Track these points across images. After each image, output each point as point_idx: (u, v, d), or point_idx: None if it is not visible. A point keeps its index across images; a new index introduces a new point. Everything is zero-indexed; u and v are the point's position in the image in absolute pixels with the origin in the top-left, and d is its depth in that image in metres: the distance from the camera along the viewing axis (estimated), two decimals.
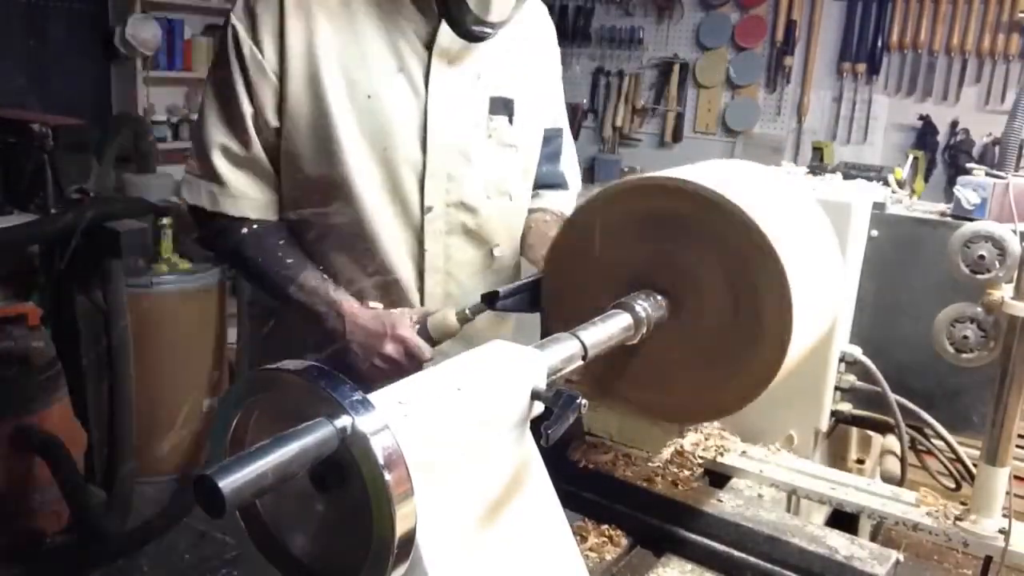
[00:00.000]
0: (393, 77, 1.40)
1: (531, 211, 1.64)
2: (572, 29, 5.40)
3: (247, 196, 1.44)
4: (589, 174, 5.25)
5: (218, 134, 1.42)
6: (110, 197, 3.27)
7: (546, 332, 1.08)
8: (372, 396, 0.69)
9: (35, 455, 2.82)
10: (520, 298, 1.24)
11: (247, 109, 1.39)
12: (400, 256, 1.46)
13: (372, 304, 1.43)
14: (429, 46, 1.41)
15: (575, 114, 5.36)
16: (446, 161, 1.44)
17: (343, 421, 0.64)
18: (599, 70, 5.39)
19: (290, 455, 0.60)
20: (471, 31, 1.37)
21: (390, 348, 1.36)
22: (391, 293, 1.47)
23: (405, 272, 1.46)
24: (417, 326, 1.37)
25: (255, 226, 1.45)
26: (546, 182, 1.67)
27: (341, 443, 0.64)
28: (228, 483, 0.56)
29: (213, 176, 1.43)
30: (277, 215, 1.48)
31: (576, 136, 5.37)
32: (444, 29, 1.39)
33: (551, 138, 1.64)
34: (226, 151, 1.42)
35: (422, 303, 1.48)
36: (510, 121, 1.50)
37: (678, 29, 5.16)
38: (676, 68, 5.13)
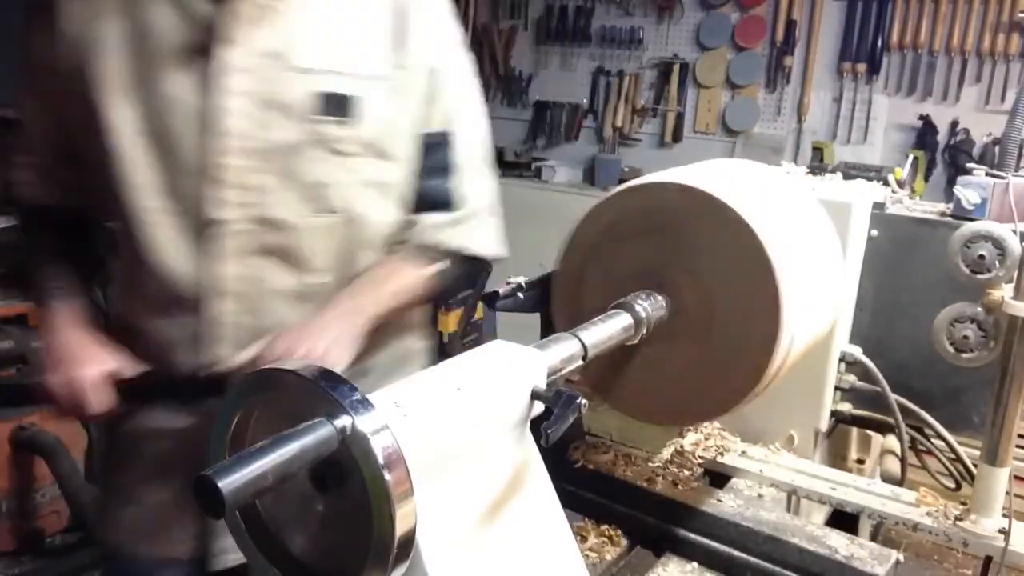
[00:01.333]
0: (176, 64, 1.16)
1: (395, 246, 1.31)
2: (572, 29, 5.40)
3: (39, 183, 1.33)
4: (589, 174, 5.25)
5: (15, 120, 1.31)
6: None
7: (547, 332, 1.07)
8: (372, 396, 0.69)
9: (35, 455, 2.82)
10: (519, 298, 1.24)
11: (36, 105, 1.29)
12: (185, 280, 1.21)
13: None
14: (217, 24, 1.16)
15: (575, 114, 5.37)
16: (247, 168, 1.18)
17: (343, 421, 0.64)
18: (599, 70, 5.38)
19: (290, 455, 0.60)
20: None
21: (54, 379, 1.21)
22: (179, 323, 1.23)
23: (190, 298, 1.22)
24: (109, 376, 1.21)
25: (32, 213, 1.37)
26: (429, 200, 1.30)
27: (341, 443, 0.64)
28: (228, 483, 0.56)
29: (16, 176, 1.34)
30: (56, 200, 1.35)
31: (576, 136, 5.38)
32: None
33: (435, 144, 1.29)
34: (26, 153, 1.33)
35: (216, 336, 1.22)
36: (347, 125, 1.21)
37: (678, 29, 5.16)
38: (676, 68, 5.12)
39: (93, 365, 1.21)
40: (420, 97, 1.28)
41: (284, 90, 1.18)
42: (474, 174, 1.34)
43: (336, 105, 1.20)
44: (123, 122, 1.18)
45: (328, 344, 1.11)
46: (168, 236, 1.21)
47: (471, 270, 1.32)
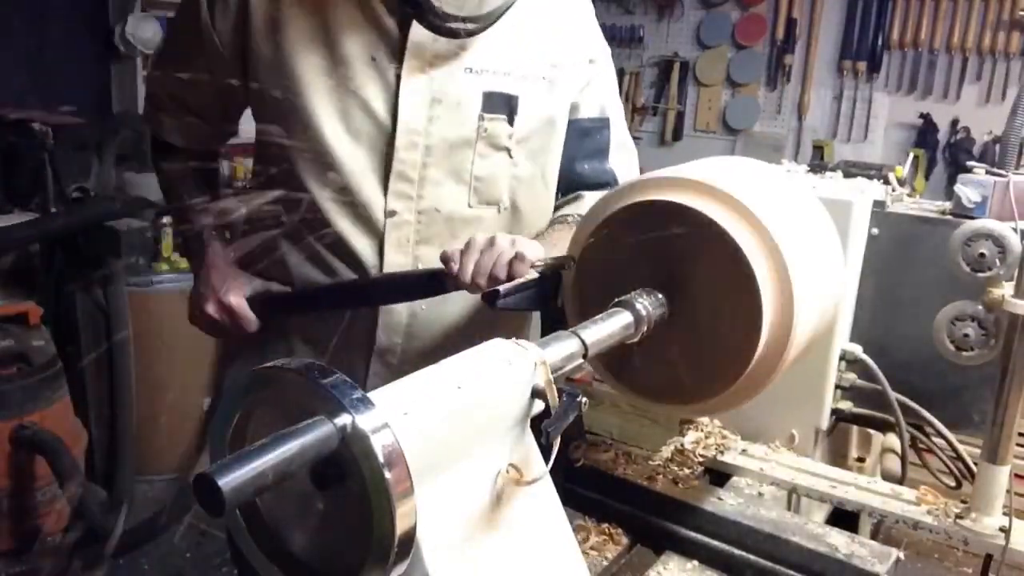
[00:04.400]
0: (362, 68, 1.27)
1: (557, 214, 1.46)
2: None
3: (188, 133, 1.46)
4: None
5: (168, 78, 1.41)
6: (110, 196, 3.27)
7: (547, 330, 1.07)
8: (372, 394, 0.69)
9: (35, 454, 2.82)
10: (522, 296, 1.24)
11: (200, 70, 1.36)
12: (355, 261, 1.33)
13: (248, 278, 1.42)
14: (406, 37, 1.28)
15: None
16: (418, 162, 1.30)
17: (343, 419, 0.64)
18: None
19: (290, 453, 0.60)
20: (443, 28, 1.24)
21: (211, 308, 1.39)
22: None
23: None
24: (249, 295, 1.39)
25: (189, 158, 1.48)
26: (591, 181, 1.47)
27: (341, 441, 0.64)
28: (228, 482, 0.56)
29: (162, 108, 1.46)
30: (214, 146, 1.53)
31: None
32: (416, 25, 1.26)
33: (594, 129, 1.45)
34: (173, 96, 1.43)
35: (378, 327, 1.35)
36: (510, 121, 1.33)
37: (678, 27, 5.16)
38: (676, 66, 5.13)
39: (238, 289, 1.38)
40: (575, 89, 1.41)
41: (454, 89, 1.30)
42: (625, 154, 1.52)
43: (500, 103, 1.32)
44: (325, 117, 1.28)
45: (519, 239, 1.18)
46: (345, 225, 1.32)
47: None
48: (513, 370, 0.81)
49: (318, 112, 1.27)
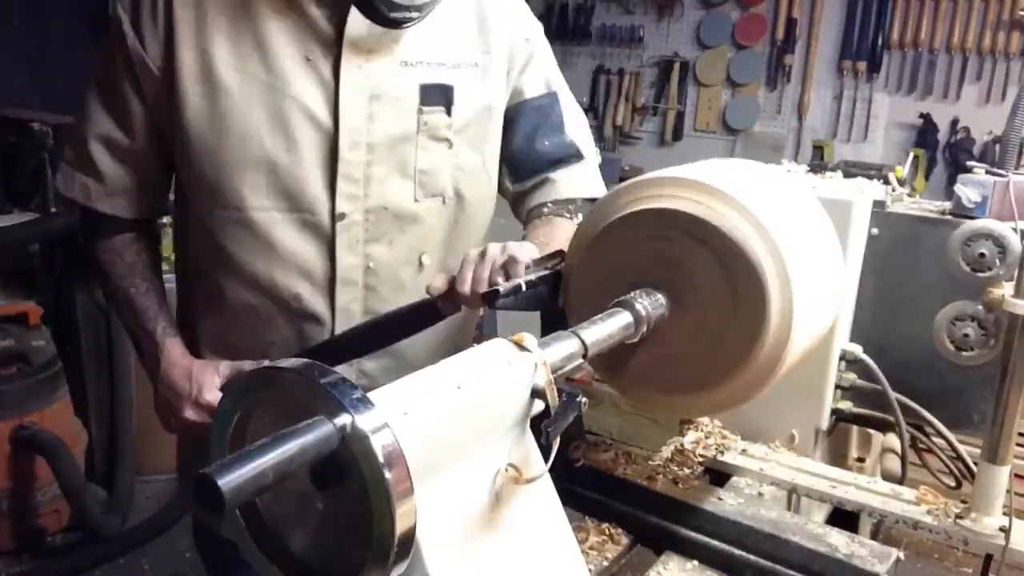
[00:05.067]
0: (297, 69, 1.23)
1: (535, 209, 1.43)
2: (572, 27, 5.40)
3: (124, 194, 1.34)
4: None
5: (100, 124, 1.31)
6: None
7: (547, 330, 1.07)
8: (372, 394, 0.69)
9: (35, 454, 2.82)
10: (521, 296, 1.24)
11: (134, 103, 1.28)
12: (303, 270, 1.29)
13: (207, 356, 1.36)
14: (341, 34, 1.23)
15: None
16: (364, 161, 1.27)
17: (343, 419, 0.64)
18: (599, 68, 5.38)
19: (290, 453, 0.60)
20: (386, 16, 1.19)
21: (190, 413, 1.31)
22: (294, 312, 1.32)
23: (308, 289, 1.30)
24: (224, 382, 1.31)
25: (127, 229, 1.37)
26: (556, 156, 1.44)
27: (341, 441, 0.64)
28: (227, 481, 0.56)
29: (89, 168, 1.33)
30: (153, 212, 1.41)
31: None
32: (355, 14, 1.21)
33: (544, 106, 1.42)
34: (108, 142, 1.31)
35: (334, 323, 1.32)
36: (448, 112, 1.30)
37: (678, 27, 5.16)
38: (676, 66, 5.12)
39: (210, 385, 1.30)
40: (510, 72, 1.39)
41: (392, 84, 1.27)
42: (579, 122, 1.49)
43: (437, 94, 1.30)
44: (262, 125, 1.23)
45: (509, 244, 1.17)
46: (289, 236, 1.28)
47: None
48: (513, 370, 0.82)
49: (253, 120, 1.23)
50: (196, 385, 1.31)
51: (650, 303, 1.01)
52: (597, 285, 1.09)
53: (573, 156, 1.45)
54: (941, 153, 4.43)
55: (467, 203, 1.38)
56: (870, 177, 1.60)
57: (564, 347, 0.89)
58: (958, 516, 1.22)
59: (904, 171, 1.64)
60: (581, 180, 1.45)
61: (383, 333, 1.28)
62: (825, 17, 4.70)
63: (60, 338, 3.07)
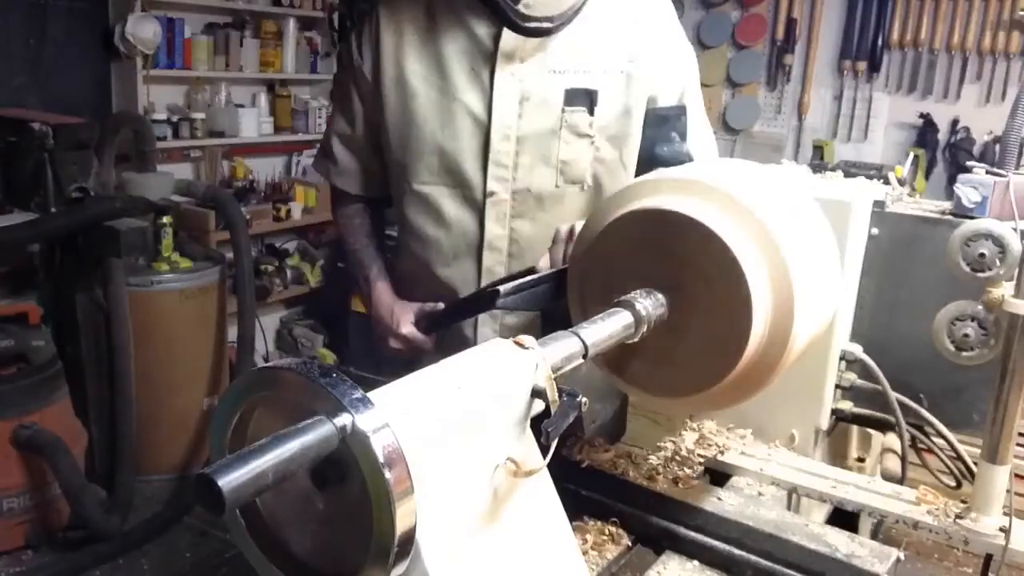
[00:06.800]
0: (464, 78, 1.55)
1: None
2: None
3: (350, 173, 1.76)
4: None
5: (337, 123, 1.74)
6: (110, 196, 3.27)
7: (547, 330, 1.08)
8: (372, 394, 0.69)
9: (35, 454, 2.82)
10: (522, 296, 1.24)
11: (357, 106, 1.69)
12: (461, 234, 1.62)
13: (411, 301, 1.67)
14: (497, 46, 1.52)
15: None
16: (511, 151, 1.56)
17: (343, 419, 0.64)
18: None
19: (290, 453, 0.60)
20: (526, 28, 1.46)
21: (394, 343, 1.65)
22: (450, 265, 1.66)
23: (465, 249, 1.63)
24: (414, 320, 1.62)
25: (356, 201, 1.79)
26: (668, 163, 1.56)
27: (341, 441, 0.64)
28: (228, 481, 0.56)
29: (330, 155, 1.77)
30: (376, 191, 1.78)
31: None
32: (506, 31, 1.50)
33: (671, 117, 1.63)
34: (341, 136, 1.74)
35: (479, 278, 1.63)
36: (590, 112, 1.55)
37: None
38: None
39: (406, 320, 1.63)
40: (653, 79, 1.60)
41: (539, 89, 1.55)
42: (704, 139, 1.70)
43: (581, 97, 1.55)
44: (433, 120, 1.57)
45: None
46: (451, 207, 1.61)
47: None
48: (513, 370, 0.82)
49: (431, 116, 1.57)
50: (396, 320, 1.65)
51: (650, 303, 1.01)
52: (597, 285, 1.09)
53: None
54: (941, 153, 4.43)
55: (604, 190, 1.60)
56: (870, 177, 1.60)
57: (564, 347, 0.89)
58: (958, 516, 1.22)
59: (904, 171, 1.64)
60: None
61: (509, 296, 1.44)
62: (825, 17, 4.70)
63: (60, 338, 3.06)
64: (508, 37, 1.51)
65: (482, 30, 1.54)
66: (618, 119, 1.59)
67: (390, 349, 1.68)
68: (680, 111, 1.64)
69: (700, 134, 1.69)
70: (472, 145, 1.57)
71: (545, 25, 1.48)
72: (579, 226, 1.25)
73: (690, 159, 1.60)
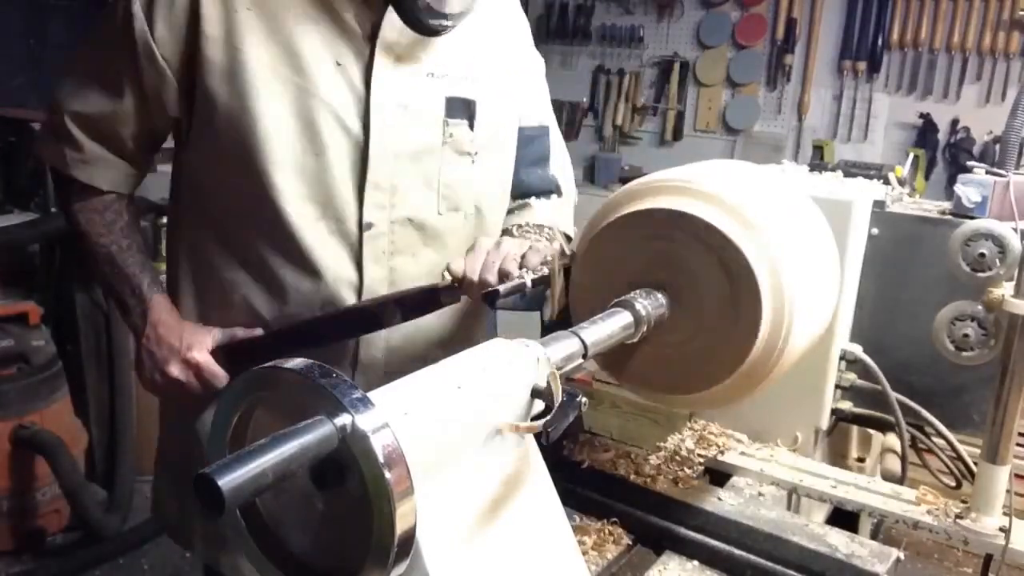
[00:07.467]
0: (328, 74, 1.21)
1: (512, 223, 1.42)
2: (572, 27, 5.40)
3: (103, 164, 1.30)
4: (589, 173, 5.25)
5: (77, 102, 1.27)
6: None
7: (547, 330, 1.08)
8: (372, 394, 0.69)
9: (35, 454, 2.82)
10: (521, 296, 1.24)
11: (127, 87, 1.24)
12: (333, 280, 1.26)
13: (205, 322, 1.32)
14: (373, 39, 1.21)
15: (575, 113, 5.36)
16: (391, 171, 1.25)
17: (343, 419, 0.64)
18: (599, 68, 5.38)
19: (289, 453, 0.60)
20: (424, 23, 1.19)
21: (176, 369, 1.28)
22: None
23: (340, 300, 1.27)
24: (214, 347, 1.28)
25: (105, 196, 1.32)
26: (536, 189, 1.46)
27: (341, 441, 0.64)
28: (227, 481, 0.56)
29: (68, 139, 1.29)
30: (132, 191, 1.36)
31: (576, 135, 5.37)
32: (390, 19, 1.20)
33: (535, 137, 1.45)
34: (82, 119, 1.27)
35: (359, 345, 1.30)
36: (470, 126, 1.30)
37: (678, 27, 5.16)
38: (676, 66, 5.12)
39: (201, 344, 1.28)
40: (520, 96, 1.42)
41: (419, 95, 1.26)
42: (564, 161, 1.53)
43: (461, 108, 1.29)
44: (292, 128, 1.20)
45: (525, 241, 1.22)
46: (314, 240, 1.24)
47: None
48: (513, 370, 0.82)
49: (283, 123, 1.19)
50: (186, 343, 1.27)
51: (650, 303, 1.01)
52: (597, 285, 1.09)
53: (553, 191, 1.49)
54: (941, 153, 4.43)
55: (485, 218, 1.37)
56: (870, 177, 1.60)
57: (564, 347, 0.89)
58: (958, 516, 1.22)
59: (904, 171, 1.64)
60: (557, 213, 1.47)
61: (376, 316, 1.24)
62: (825, 17, 4.69)
63: (60, 338, 3.07)
64: (391, 29, 1.21)
65: (351, 15, 1.21)
66: (496, 136, 1.36)
67: (162, 382, 1.30)
68: (543, 132, 1.47)
69: (561, 159, 1.52)
70: (342, 163, 1.22)
71: (444, 22, 1.21)
72: (506, 241, 1.16)
73: (556, 185, 1.48)
